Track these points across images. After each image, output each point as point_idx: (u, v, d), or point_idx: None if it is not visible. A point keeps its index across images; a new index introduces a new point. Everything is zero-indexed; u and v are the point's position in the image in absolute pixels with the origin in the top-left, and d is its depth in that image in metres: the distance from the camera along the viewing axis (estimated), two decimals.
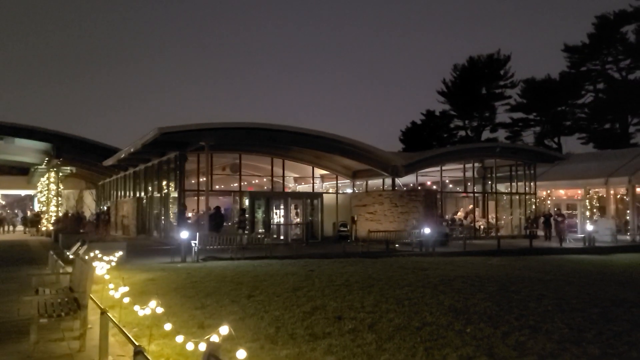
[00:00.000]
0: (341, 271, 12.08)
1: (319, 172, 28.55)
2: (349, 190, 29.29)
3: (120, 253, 10.77)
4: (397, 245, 20.08)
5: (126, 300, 6.08)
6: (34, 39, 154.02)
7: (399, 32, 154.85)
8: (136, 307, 5.50)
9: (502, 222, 28.96)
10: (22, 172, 40.91)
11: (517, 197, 28.78)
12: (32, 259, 16.00)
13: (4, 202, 50.64)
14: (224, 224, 23.12)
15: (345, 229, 24.90)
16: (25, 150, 31.61)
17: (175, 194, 23.06)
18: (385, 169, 25.23)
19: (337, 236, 24.62)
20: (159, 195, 25.58)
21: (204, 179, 22.81)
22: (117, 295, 6.61)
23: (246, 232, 21.23)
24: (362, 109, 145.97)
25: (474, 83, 54.52)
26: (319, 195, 26.11)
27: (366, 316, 6.73)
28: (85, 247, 10.40)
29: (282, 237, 24.23)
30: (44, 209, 31.54)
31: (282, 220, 25.16)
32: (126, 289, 6.27)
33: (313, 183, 28.21)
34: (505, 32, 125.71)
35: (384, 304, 7.60)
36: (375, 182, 28.32)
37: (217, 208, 22.17)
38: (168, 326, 4.48)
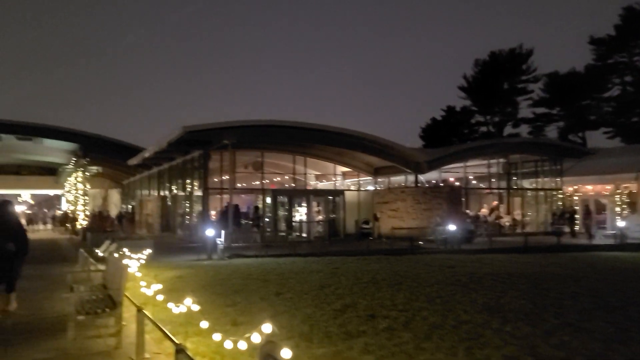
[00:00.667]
0: (366, 269, 12.01)
1: (340, 169, 28.48)
2: (371, 187, 29.15)
3: (149, 251, 10.88)
4: (420, 243, 19.89)
5: (159, 297, 6.13)
6: (57, 43, 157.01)
7: (418, 29, 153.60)
8: (170, 305, 5.53)
9: (528, 218, 28.48)
10: (50, 172, 41.83)
11: (543, 193, 28.27)
12: (63, 257, 16.28)
13: (33, 202, 51.82)
14: (243, 221, 23.29)
15: (368, 226, 24.78)
16: (53, 150, 32.26)
17: (199, 192, 23.24)
18: (407, 165, 25.04)
19: (360, 233, 24.53)
20: (183, 193, 25.82)
21: (227, 177, 22.96)
22: (148, 292, 6.67)
23: (267, 230, 21.33)
24: (381, 106, 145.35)
25: (495, 78, 53.69)
26: (341, 192, 26.04)
27: (399, 314, 6.65)
28: (114, 245, 10.53)
29: (304, 235, 24.26)
30: (72, 208, 32.13)
31: (304, 217, 25.17)
32: (159, 286, 6.31)
33: (335, 180, 28.17)
34: (527, 26, 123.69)
35: (415, 302, 7.51)
36: (397, 179, 28.13)
37: (227, 206, 22.32)
38: (205, 324, 4.48)
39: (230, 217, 20.40)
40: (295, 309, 7.08)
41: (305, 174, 27.10)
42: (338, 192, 26.06)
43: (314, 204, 25.76)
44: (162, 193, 29.57)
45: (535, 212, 28.42)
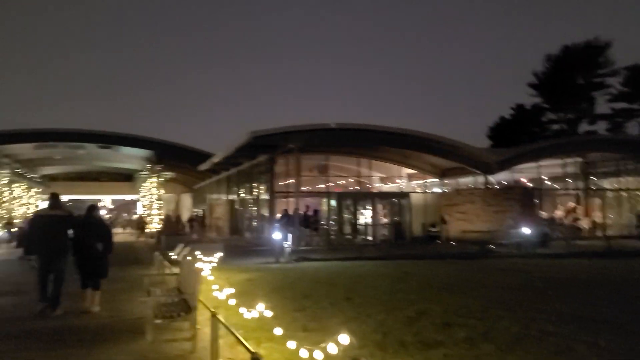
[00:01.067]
0: (437, 273, 11.63)
1: (405, 171, 27.98)
2: (438, 189, 28.40)
3: (220, 254, 11.11)
4: (492, 246, 19.08)
5: (231, 302, 6.17)
6: (133, 62, 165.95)
7: (483, 25, 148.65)
8: (242, 310, 5.54)
9: (609, 221, 26.62)
10: (127, 178, 44.27)
11: (626, 193, 26.32)
12: (139, 260, 17.05)
13: (112, 206, 55.06)
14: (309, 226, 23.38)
15: (435, 229, 24.14)
16: (130, 157, 34.03)
17: (265, 196, 23.62)
18: (476, 166, 24.16)
19: (426, 237, 23.95)
20: (250, 197, 26.36)
21: (293, 180, 23.19)
22: (220, 296, 6.74)
23: (332, 233, 21.30)
24: (446, 106, 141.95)
25: (569, 73, 50.78)
26: (407, 195, 25.57)
27: (477, 323, 6.32)
28: (187, 248, 10.86)
29: (369, 238, 24.03)
30: (147, 212, 33.73)
31: (369, 220, 24.92)
32: (231, 290, 6.37)
33: (400, 183, 27.71)
34: (603, 18, 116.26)
35: (493, 310, 7.13)
36: (465, 180, 27.22)
37: (286, 210, 22.48)
38: (279, 330, 4.43)
39: (297, 220, 20.55)
40: (366, 315, 6.92)
41: (370, 176, 26.85)
42: (404, 195, 25.60)
43: (379, 206, 25.45)
44: (230, 197, 30.35)
45: (617, 214, 26.51)
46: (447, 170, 26.77)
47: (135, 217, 40.81)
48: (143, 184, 37.41)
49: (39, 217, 8.38)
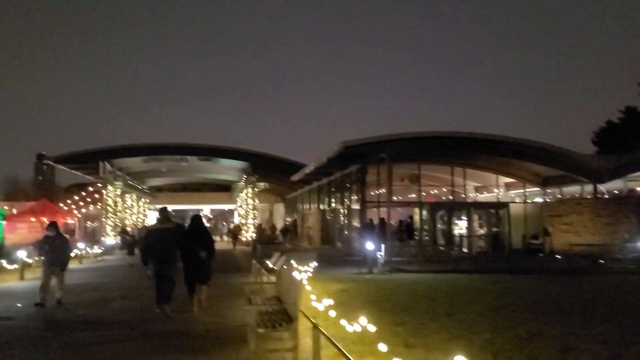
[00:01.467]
0: (544, 289, 10.82)
1: (503, 180, 26.61)
2: (539, 199, 26.66)
3: (315, 264, 11.20)
4: (603, 262, 17.49)
5: (331, 313, 6.13)
6: (228, 76, 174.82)
7: (586, 28, 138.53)
8: (343, 322, 5.47)
9: None
10: (225, 188, 46.48)
11: None
12: (237, 267, 17.71)
13: (211, 216, 58.10)
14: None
15: (537, 242, 22.63)
16: (228, 169, 35.74)
17: (356, 206, 23.61)
18: (583, 174, 22.37)
19: (527, 249, 22.55)
20: (341, 207, 26.49)
21: (384, 190, 22.96)
22: (319, 306, 6.73)
23: (426, 244, 20.73)
24: (545, 111, 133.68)
25: None
26: (505, 205, 24.28)
27: (601, 349, 5.73)
28: (283, 257, 11.07)
29: (465, 250, 23.11)
30: (243, 221, 35.12)
31: (464, 231, 23.97)
32: (330, 301, 6.34)
33: (497, 192, 26.41)
34: None
35: (617, 333, 6.45)
36: (570, 190, 25.31)
37: (371, 220, 22.12)
38: (383, 347, 4.29)
39: (389, 230, 20.28)
40: (471, 332, 6.56)
41: (464, 185, 25.86)
42: (502, 205, 24.34)
43: (475, 217, 24.39)
44: (321, 207, 30.71)
45: None
46: (549, 179, 25.07)
47: (232, 226, 42.64)
48: (240, 194, 39.03)
49: (152, 231, 9.26)
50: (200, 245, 8.75)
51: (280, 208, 46.49)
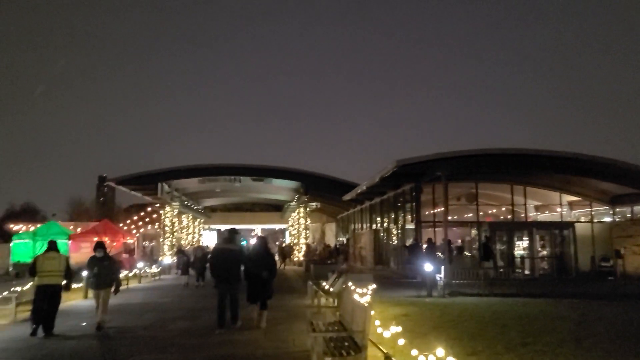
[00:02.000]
0: (626, 318, 9.98)
1: (567, 198, 25.31)
2: (607, 219, 25.12)
3: (373, 286, 10.85)
4: None
5: (400, 341, 5.81)
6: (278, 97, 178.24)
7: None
8: (414, 352, 5.15)
9: None
10: (277, 208, 46.93)
11: None
12: (291, 288, 17.55)
13: (263, 235, 58.70)
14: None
15: (608, 264, 21.24)
16: (279, 189, 35.99)
17: (411, 226, 23.04)
18: None
19: (597, 272, 21.20)
20: (394, 226, 25.96)
21: (439, 209, 22.33)
22: (384, 333, 6.41)
23: (487, 267, 19.81)
24: (606, 126, 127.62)
25: None
26: (570, 224, 22.98)
27: None
28: (341, 279, 10.80)
29: (527, 272, 21.97)
30: (295, 241, 35.12)
31: (525, 252, 22.83)
32: (398, 328, 6.02)
33: (560, 211, 25.12)
34: None
35: None
36: None
37: (416, 240, 21.39)
38: None
39: (447, 251, 19.60)
40: None
41: (525, 204, 24.76)
42: (566, 225, 23.07)
43: (537, 237, 23.21)
44: (374, 226, 30.25)
45: None
46: (619, 197, 23.60)
47: (283, 245, 42.80)
48: (291, 214, 39.16)
49: (218, 251, 9.75)
50: (263, 266, 9.17)
51: (331, 228, 46.32)
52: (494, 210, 26.84)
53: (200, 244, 35.01)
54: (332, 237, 44.83)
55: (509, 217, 25.43)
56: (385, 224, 28.08)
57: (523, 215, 25.69)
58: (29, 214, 49.50)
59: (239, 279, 9.27)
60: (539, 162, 19.70)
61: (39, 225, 29.98)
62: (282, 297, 14.31)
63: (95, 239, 27.67)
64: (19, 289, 11.29)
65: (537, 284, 17.83)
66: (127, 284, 19.42)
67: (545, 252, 23.10)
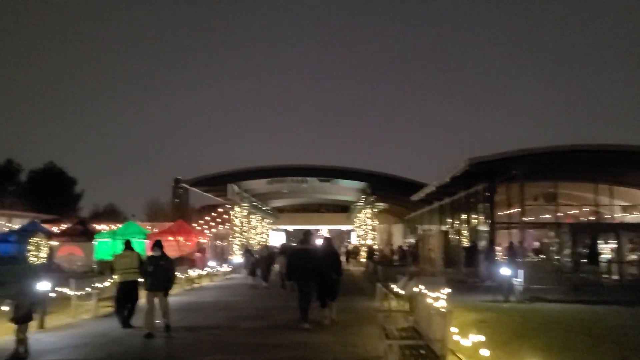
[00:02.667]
0: None
1: None
2: None
3: (448, 290, 10.35)
4: None
5: (483, 352, 5.38)
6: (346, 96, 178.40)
7: None
8: None
9: None
10: (343, 209, 46.84)
11: None
12: (359, 289, 17.28)
13: (329, 236, 58.79)
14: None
15: None
16: (346, 189, 35.83)
17: (483, 227, 22.04)
18: None
19: None
20: (466, 228, 24.98)
21: (514, 210, 21.18)
22: (464, 342, 5.99)
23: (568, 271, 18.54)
24: None
25: None
26: None
27: None
28: (412, 282, 10.39)
29: (614, 277, 20.31)
30: (362, 242, 34.81)
31: (610, 256, 21.13)
32: (478, 337, 5.59)
33: None
34: None
35: None
36: None
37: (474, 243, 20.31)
38: None
39: (520, 253, 18.52)
40: None
41: (611, 205, 22.96)
42: None
43: (625, 240, 21.41)
44: (444, 228, 29.31)
45: None
46: None
47: (350, 246, 42.52)
48: (358, 215, 38.87)
49: (296, 251, 10.84)
50: (330, 266, 9.93)
51: (398, 229, 45.54)
52: (575, 211, 25.13)
53: (267, 244, 35.42)
54: (400, 238, 44.06)
55: (592, 218, 23.70)
56: (455, 226, 27.11)
57: (608, 216, 23.85)
58: (111, 214, 52.49)
59: (312, 277, 9.89)
60: (630, 159, 18.13)
61: (119, 226, 31.60)
62: (351, 299, 14.07)
63: (170, 238, 28.92)
64: (100, 285, 11.83)
65: (627, 291, 16.39)
66: (200, 283, 19.97)
67: (634, 256, 21.29)
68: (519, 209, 19.85)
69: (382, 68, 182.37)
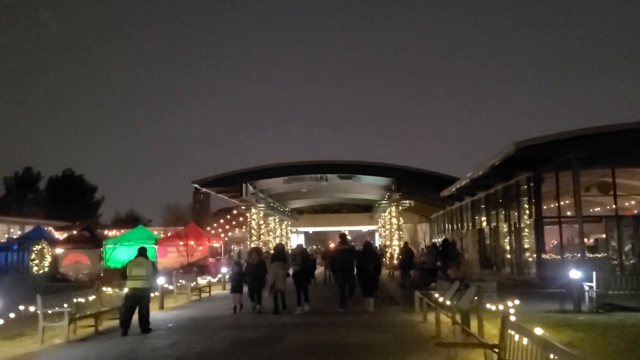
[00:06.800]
0: None
1: None
2: None
3: (517, 301, 7.93)
4: None
5: None
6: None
7: None
8: None
9: None
10: (365, 209, 44.38)
11: None
12: (390, 297, 14.84)
13: (350, 238, 56.36)
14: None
15: None
16: (369, 187, 33.42)
17: (528, 222, 19.43)
18: None
19: None
20: (506, 225, 22.36)
21: (566, 202, 18.56)
22: None
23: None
24: None
25: None
26: None
27: None
28: (469, 291, 7.98)
29: None
30: (387, 243, 32.33)
31: None
32: None
33: None
34: None
35: None
36: None
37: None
38: None
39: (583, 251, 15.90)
40: None
41: None
42: None
43: None
44: (478, 226, 26.73)
45: None
46: None
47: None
48: (382, 214, 36.47)
49: (337, 250, 13.03)
50: (369, 262, 12.20)
51: (424, 228, 43.01)
52: (632, 202, 22.27)
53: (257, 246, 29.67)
54: (426, 238, 41.51)
55: None
56: (493, 223, 24.50)
57: None
58: (132, 221, 51.08)
59: (353, 271, 12.09)
60: None
61: (123, 231, 29.87)
62: (385, 311, 11.72)
63: (181, 242, 26.98)
64: (79, 300, 9.68)
65: None
66: (210, 291, 17.78)
67: None
68: (575, 201, 17.17)
69: (404, 56, 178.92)
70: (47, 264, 25.20)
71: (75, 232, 30.90)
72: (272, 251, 15.73)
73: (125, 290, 9.99)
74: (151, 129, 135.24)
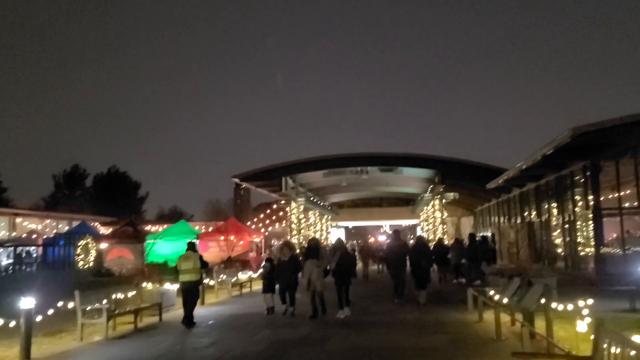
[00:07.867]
0: None
1: None
2: None
3: (591, 301, 7.10)
4: None
5: None
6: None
7: None
8: None
9: None
10: (406, 202, 43.32)
11: None
12: (439, 295, 14.04)
13: (390, 232, 55.30)
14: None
15: None
16: (410, 179, 32.46)
17: (584, 214, 18.17)
18: None
19: None
20: (559, 217, 21.08)
21: (626, 192, 17.22)
22: None
23: None
24: None
25: None
26: None
27: None
28: (534, 289, 7.18)
29: None
30: (431, 237, 31.31)
31: None
32: None
33: None
34: None
35: None
36: None
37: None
38: None
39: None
40: None
41: None
42: None
43: None
44: (527, 219, 25.45)
45: None
46: None
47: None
48: (424, 208, 35.43)
49: (391, 246, 13.39)
50: (421, 257, 12.67)
51: (468, 222, 41.61)
52: None
53: (288, 243, 30.24)
54: (468, 232, 40.13)
55: None
56: (544, 215, 23.21)
57: None
58: (175, 216, 51.85)
59: (405, 265, 12.55)
60: None
61: (165, 226, 30.09)
62: (434, 310, 11.03)
63: (222, 237, 26.90)
64: (118, 296, 9.44)
65: None
66: (251, 287, 17.45)
67: None
68: (631, 191, 15.91)
69: (445, 46, 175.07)
70: (92, 258, 25.61)
71: (118, 227, 31.39)
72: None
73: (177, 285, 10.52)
74: (194, 125, 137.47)
